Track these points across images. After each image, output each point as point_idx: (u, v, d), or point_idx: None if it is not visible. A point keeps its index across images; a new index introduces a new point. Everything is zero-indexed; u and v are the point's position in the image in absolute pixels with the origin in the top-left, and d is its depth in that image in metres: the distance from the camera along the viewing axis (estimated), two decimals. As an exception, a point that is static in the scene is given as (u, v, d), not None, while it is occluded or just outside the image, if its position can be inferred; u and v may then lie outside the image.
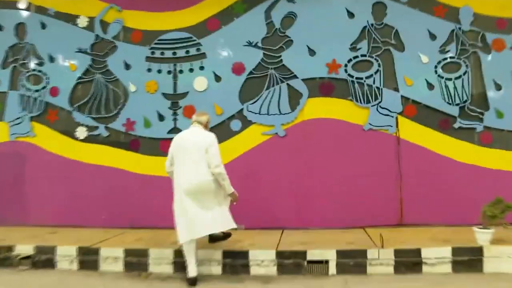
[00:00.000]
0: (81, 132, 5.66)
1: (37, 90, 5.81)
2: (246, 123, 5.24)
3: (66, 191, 5.63)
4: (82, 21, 5.72)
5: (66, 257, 4.30)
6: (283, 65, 5.20)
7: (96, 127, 5.62)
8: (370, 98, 5.01)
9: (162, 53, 5.48)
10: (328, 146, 5.04)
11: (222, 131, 5.17)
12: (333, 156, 5.03)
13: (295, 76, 5.14)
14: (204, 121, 3.99)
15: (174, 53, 5.44)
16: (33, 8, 5.89)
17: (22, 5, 5.91)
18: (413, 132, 4.96)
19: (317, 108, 5.10)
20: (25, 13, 5.90)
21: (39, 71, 5.82)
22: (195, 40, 5.39)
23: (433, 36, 4.97)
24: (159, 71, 5.47)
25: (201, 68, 5.37)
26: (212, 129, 4.72)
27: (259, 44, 5.24)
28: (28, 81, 5.84)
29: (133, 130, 5.51)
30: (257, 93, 5.23)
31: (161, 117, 5.44)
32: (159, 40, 5.48)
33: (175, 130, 5.29)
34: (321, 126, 5.06)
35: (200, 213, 3.67)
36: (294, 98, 5.16)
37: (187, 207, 3.66)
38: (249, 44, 5.25)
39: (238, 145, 5.22)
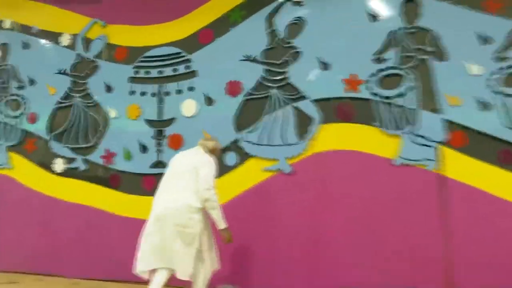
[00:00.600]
0: (59, 165, 4.88)
1: (16, 117, 5.12)
2: (243, 156, 4.20)
3: (39, 233, 4.82)
4: (65, 39, 5.04)
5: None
6: (289, 83, 4.13)
7: (74, 159, 4.79)
8: (401, 123, 3.78)
9: (147, 72, 4.62)
10: (348, 187, 3.88)
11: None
12: (354, 200, 3.84)
13: (304, 97, 4.05)
14: (210, 147, 3.32)
15: (160, 72, 4.56)
16: (17, 27, 5.31)
17: (6, 24, 5.33)
18: (461, 168, 3.65)
19: (333, 137, 3.95)
20: (8, 33, 5.31)
21: (18, 95, 5.15)
22: (184, 56, 4.49)
23: (484, 40, 3.69)
24: (143, 94, 4.61)
25: (190, 89, 4.43)
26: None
27: (259, 58, 4.23)
28: (7, 106, 5.19)
29: (113, 163, 4.63)
30: (256, 119, 4.18)
31: (143, 148, 4.52)
32: (144, 57, 4.64)
33: (159, 164, 4.36)
34: (338, 161, 3.91)
35: (160, 243, 3.02)
36: (303, 124, 4.05)
37: (150, 232, 3.05)
38: (247, 58, 4.25)
39: (233, 183, 4.17)
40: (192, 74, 4.46)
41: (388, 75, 3.86)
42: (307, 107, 4.06)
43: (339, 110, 3.97)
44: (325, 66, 4.05)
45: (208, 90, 4.37)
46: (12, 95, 5.19)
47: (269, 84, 4.17)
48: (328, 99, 4.00)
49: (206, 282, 3.15)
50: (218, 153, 3.48)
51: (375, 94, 3.87)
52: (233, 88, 4.27)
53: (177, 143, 4.39)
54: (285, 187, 4.05)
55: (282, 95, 4.11)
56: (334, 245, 3.84)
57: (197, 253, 3.04)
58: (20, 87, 5.17)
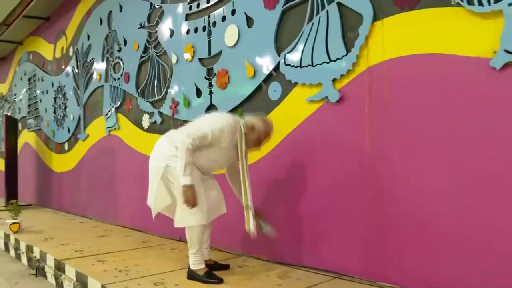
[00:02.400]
0: (145, 121, 4.87)
1: (118, 79, 5.38)
2: (287, 86, 3.18)
3: (139, 195, 4.98)
4: (143, -9, 4.92)
5: (50, 268, 3.55)
6: (331, -31, 2.87)
7: (153, 114, 4.69)
8: (502, -11, 2.10)
9: (198, 5, 4.04)
10: (418, 118, 2.43)
11: (259, 103, 3.40)
12: (426, 141, 2.38)
13: (350, -15, 2.73)
14: (249, 124, 2.71)
15: (208, 1, 3.91)
16: (116, -8, 5.52)
17: (111, -8, 5.62)
18: None
19: (393, 38, 2.55)
20: (112, 0, 5.60)
21: (119, 57, 5.38)
22: (226, -26, 3.71)
23: None
24: (196, 30, 4.06)
25: (233, 12, 3.64)
26: (247, 101, 3.44)
27: None
28: (114, 70, 5.49)
29: (177, 113, 4.29)
30: (296, 33, 3.09)
31: (198, 92, 4.01)
32: (195, -12, 4.07)
33: (212, 108, 3.79)
34: (403, 75, 2.50)
35: None
36: (351, 27, 2.76)
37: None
38: (282, -48, 3.16)
39: (278, 124, 3.22)
40: (234, -7, 3.63)
41: None
42: (354, 0, 2.72)
43: (401, -8, 2.50)
44: None
45: (247, 8, 3.49)
46: (116, 58, 5.42)
47: (308, -20, 2.98)
48: (382, -20, 2.57)
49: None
50: (256, 138, 2.71)
51: None
52: (269, -1, 3.26)
53: (224, 81, 3.69)
54: (333, 123, 2.86)
55: (323, -9, 2.88)
56: (399, 210, 2.46)
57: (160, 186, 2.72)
58: (119, 50, 5.34)
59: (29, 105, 8.65)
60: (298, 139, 3.10)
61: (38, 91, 8.14)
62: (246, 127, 2.67)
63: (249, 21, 3.48)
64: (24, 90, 8.89)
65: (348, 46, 2.76)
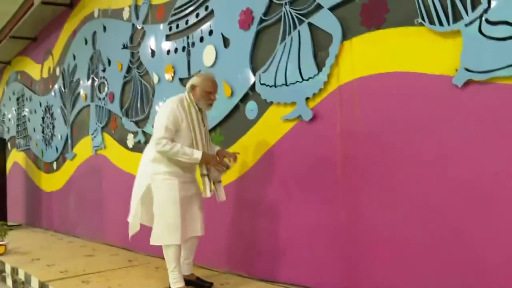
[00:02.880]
0: (130, 140, 4.91)
1: (103, 99, 5.43)
2: (263, 105, 3.24)
3: (126, 212, 4.98)
4: (126, 13, 5.01)
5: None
6: (301, -8, 2.95)
7: (137, 133, 4.74)
8: (461, 9, 2.18)
9: (177, 26, 4.12)
10: (386, 134, 2.50)
11: (237, 122, 3.47)
12: (393, 154, 2.46)
13: (319, 6, 2.81)
14: (188, 87, 2.91)
15: (187, 22, 3.99)
16: (100, 14, 5.60)
17: (96, 13, 5.71)
18: None
19: (361, 56, 2.61)
20: (96, 21, 5.67)
21: (103, 77, 5.43)
22: (203, -4, 3.79)
23: None
24: (176, 51, 4.13)
25: (210, 33, 3.71)
26: (225, 121, 3.51)
27: (268, -29, 3.17)
28: (99, 90, 5.55)
29: (160, 132, 4.32)
30: (270, 53, 3.16)
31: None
32: (174, 10, 4.16)
33: (193, 127, 3.81)
34: (370, 94, 2.57)
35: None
36: (322, 46, 2.83)
37: None
38: (256, -25, 3.25)
39: (256, 142, 3.29)
40: (211, 15, 3.72)
41: None
42: (323, 20, 2.80)
43: (365, 12, 2.57)
44: (342, -49, 2.69)
45: (224, 29, 3.56)
46: (100, 78, 5.48)
47: (280, 2, 3.07)
48: (350, 1, 2.65)
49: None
50: (202, 94, 2.84)
51: (413, -29, 2.33)
52: (245, 19, 3.35)
53: (204, 101, 3.73)
54: (306, 142, 2.91)
55: (294, 12, 2.96)
56: (373, 230, 2.51)
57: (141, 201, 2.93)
58: (104, 70, 5.40)
59: (17, 125, 8.68)
60: (274, 157, 3.16)
61: (26, 111, 8.17)
62: (189, 92, 2.82)
63: (226, 41, 3.55)
64: (13, 109, 8.91)
65: (319, 66, 2.83)
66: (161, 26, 4.33)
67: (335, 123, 2.75)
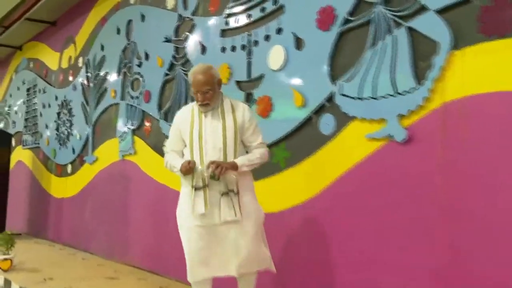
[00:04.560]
0: (167, 147, 4.93)
1: (136, 97, 5.51)
2: (343, 119, 3.24)
3: (154, 230, 5.05)
4: (170, 1, 5.10)
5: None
6: (400, -8, 2.95)
7: (177, 140, 4.77)
8: None
9: (237, 20, 4.16)
10: (505, 162, 2.43)
11: (307, 136, 3.45)
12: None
13: (424, 8, 2.80)
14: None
15: (249, 16, 4.03)
16: (137, 0, 5.70)
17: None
18: None
19: (476, 69, 2.59)
20: (132, 8, 5.78)
21: (138, 73, 5.52)
22: (271, -13, 3.82)
23: None
24: (233, 49, 4.17)
25: (279, 31, 3.73)
26: (293, 134, 3.51)
27: (357, -35, 3.18)
28: (132, 87, 5.63)
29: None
30: (355, 59, 3.16)
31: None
32: (233, 1, 4.20)
33: (250, 138, 3.84)
34: (488, 114, 2.53)
35: None
36: (424, 55, 2.81)
37: None
38: (341, -31, 3.27)
39: (331, 162, 3.28)
40: (280, 10, 3.74)
41: None
42: (428, 24, 2.78)
43: (484, 17, 2.55)
44: None
45: (297, 28, 3.58)
46: (135, 73, 5.56)
47: (371, 0, 3.07)
48: (464, 3, 2.64)
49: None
50: (194, 94, 2.93)
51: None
52: (324, 18, 3.36)
53: (265, 109, 3.77)
54: (399, 165, 2.89)
55: (390, 14, 2.96)
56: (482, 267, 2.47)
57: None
58: (139, 65, 5.48)
59: (26, 119, 8.85)
60: (354, 179, 3.14)
61: (38, 104, 8.33)
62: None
63: (298, 42, 3.57)
64: (21, 101, 9.10)
65: (419, 78, 2.81)
66: (216, 19, 4.38)
67: (435, 148, 2.72)
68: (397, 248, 2.88)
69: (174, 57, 4.92)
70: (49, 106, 7.92)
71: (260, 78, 3.87)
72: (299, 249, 3.50)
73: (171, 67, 4.97)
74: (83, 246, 6.51)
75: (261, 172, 3.42)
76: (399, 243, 2.87)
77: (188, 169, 2.73)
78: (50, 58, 8.03)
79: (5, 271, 4.92)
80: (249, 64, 3.99)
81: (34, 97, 8.54)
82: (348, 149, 3.19)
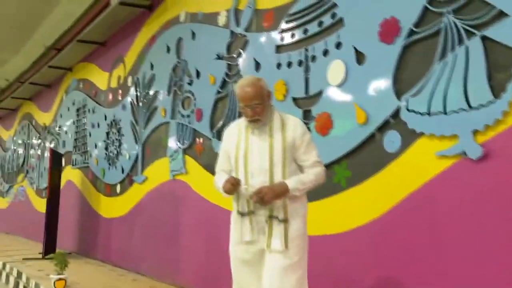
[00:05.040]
0: (220, 167, 4.97)
1: (187, 116, 5.59)
2: (409, 136, 3.16)
3: (207, 249, 5.07)
4: (222, 18, 5.17)
5: None
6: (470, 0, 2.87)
7: (230, 159, 4.80)
8: None
9: (293, 35, 4.17)
10: None
11: (370, 155, 3.40)
12: None
13: (502, 13, 2.71)
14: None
15: (305, 31, 4.03)
16: (187, 18, 5.83)
17: (182, 17, 5.95)
18: None
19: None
20: (182, 26, 5.91)
21: (189, 91, 5.61)
22: (329, 1, 3.82)
23: None
24: (289, 65, 4.17)
25: (338, 45, 3.71)
26: (355, 152, 3.50)
27: (423, -26, 3.12)
28: (182, 106, 5.73)
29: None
30: (424, 72, 3.09)
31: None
32: (288, 16, 4.22)
33: (308, 156, 3.81)
34: None
35: None
36: (501, 66, 2.72)
37: None
38: (406, -21, 3.22)
39: (396, 181, 3.21)
40: (339, 23, 3.72)
41: None
42: (507, 32, 2.69)
43: None
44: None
45: (357, 41, 3.54)
46: (186, 91, 5.66)
47: (440, 10, 3.00)
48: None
49: None
50: (240, 109, 2.83)
51: None
52: (387, 30, 3.31)
53: (325, 127, 3.73)
54: (473, 184, 2.78)
55: (461, 22, 2.88)
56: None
57: None
58: (190, 83, 5.57)
59: (75, 139, 9.15)
60: (424, 201, 3.04)
61: (87, 124, 8.59)
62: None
63: (359, 57, 3.53)
64: (71, 121, 9.43)
65: (496, 91, 2.71)
66: (270, 34, 4.39)
67: (515, 165, 2.59)
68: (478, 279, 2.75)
69: (226, 74, 4.97)
70: (98, 126, 8.15)
71: (319, 94, 3.84)
72: (364, 271, 3.40)
73: (224, 84, 5.01)
74: (133, 267, 6.60)
75: (319, 192, 3.36)
76: (474, 261, 2.74)
77: (231, 188, 2.55)
78: (100, 78, 8.30)
79: (59, 291, 5.04)
80: (306, 80, 3.97)
81: (83, 117, 8.82)
82: (415, 168, 3.11)
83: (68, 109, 9.72)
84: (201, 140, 5.31)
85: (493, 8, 2.72)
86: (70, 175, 9.23)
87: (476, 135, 2.78)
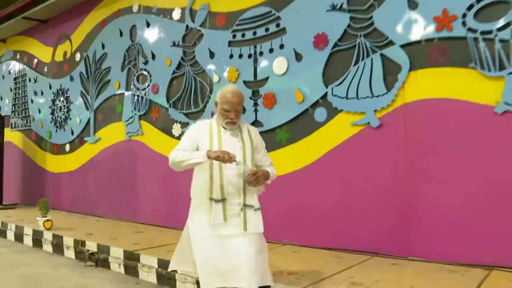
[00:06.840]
0: (176, 129, 5.71)
1: (143, 89, 6.16)
2: (332, 112, 4.29)
3: (165, 193, 5.79)
4: (177, 14, 5.78)
5: (117, 259, 4.33)
6: (375, 28, 4.03)
7: (187, 124, 5.57)
8: (505, 61, 3.38)
9: (243, 35, 5.02)
10: (441, 141, 3.66)
11: (305, 123, 4.44)
12: (447, 156, 3.62)
13: (391, 42, 3.91)
14: (215, 103, 2.80)
15: (254, 33, 4.92)
16: (141, 9, 6.29)
17: (135, 8, 6.38)
18: None
19: (424, 84, 3.75)
20: (136, 16, 6.35)
21: (145, 69, 6.16)
22: (274, 14, 4.74)
23: None
24: (240, 56, 5.04)
25: (281, 46, 4.67)
26: (293, 121, 4.42)
27: (345, 6, 4.21)
28: (137, 81, 6.26)
29: (217, 125, 5.22)
30: (343, 71, 4.21)
31: (243, 109, 4.98)
32: (240, 20, 5.05)
33: (257, 123, 4.78)
34: (431, 112, 3.70)
35: None
36: (391, 73, 3.94)
37: None
38: (333, 8, 4.28)
39: (323, 140, 4.34)
40: (282, 31, 4.67)
41: (489, 4, 3.45)
42: (394, 53, 3.91)
43: (431, 53, 3.72)
44: (413, 4, 3.81)
45: (296, 46, 4.54)
46: (141, 69, 6.20)
47: (355, 33, 4.13)
48: (417, 42, 3.79)
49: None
50: (220, 111, 2.68)
51: (473, 30, 3.51)
52: (319, 41, 4.36)
53: (270, 102, 4.71)
54: (372, 142, 4.02)
55: (368, 43, 4.04)
56: (419, 208, 3.69)
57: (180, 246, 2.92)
58: (145, 63, 6.14)
59: (13, 105, 8.97)
60: (340, 153, 4.22)
61: (28, 92, 8.53)
62: (217, 109, 2.71)
63: (298, 56, 4.54)
64: (8, 88, 9.17)
65: (388, 87, 3.93)
66: (223, 32, 5.19)
67: (399, 131, 3.88)
68: (366, 196, 4.03)
69: (182, 58, 5.65)
70: (42, 93, 8.19)
71: (266, 79, 4.78)
72: (299, 198, 4.54)
73: (179, 66, 5.69)
74: (89, 211, 7.04)
75: (267, 147, 4.28)
76: (368, 193, 4.02)
77: (226, 159, 2.44)
78: (42, 52, 8.24)
79: (48, 229, 5.47)
80: (255, 69, 4.88)
81: (24, 85, 8.69)
82: (336, 132, 4.25)
83: (3, 77, 9.39)
84: (158, 108, 5.97)
85: (387, 38, 3.91)
86: (9, 136, 9.05)
87: (376, 112, 4.00)
